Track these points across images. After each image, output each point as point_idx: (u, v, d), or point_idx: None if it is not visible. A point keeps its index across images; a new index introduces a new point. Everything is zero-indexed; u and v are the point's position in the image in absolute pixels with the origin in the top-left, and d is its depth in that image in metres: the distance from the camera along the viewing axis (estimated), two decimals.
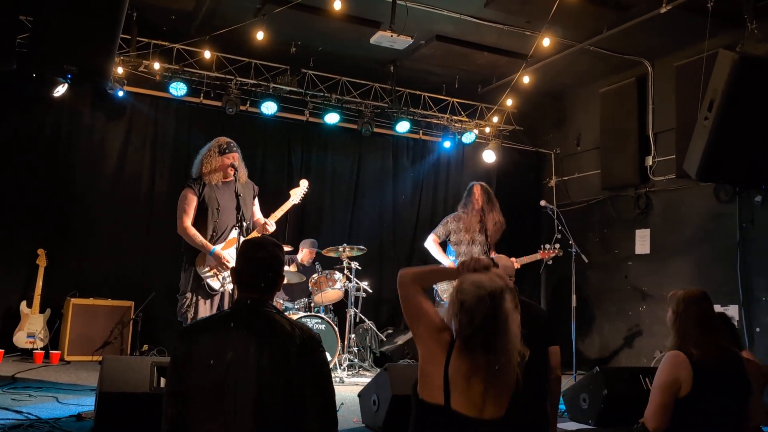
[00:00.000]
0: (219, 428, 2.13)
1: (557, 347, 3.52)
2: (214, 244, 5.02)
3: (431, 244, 6.49)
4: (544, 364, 3.42)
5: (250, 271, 2.40)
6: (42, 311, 6.88)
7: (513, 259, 6.23)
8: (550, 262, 7.05)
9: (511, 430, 2.28)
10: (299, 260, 7.67)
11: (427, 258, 6.89)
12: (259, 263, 2.40)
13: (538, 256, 6.77)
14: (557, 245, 6.79)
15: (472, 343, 2.20)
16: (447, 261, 6.36)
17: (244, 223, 4.85)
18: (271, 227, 5.22)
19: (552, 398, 3.44)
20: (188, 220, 5.00)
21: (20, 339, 6.72)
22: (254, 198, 5.40)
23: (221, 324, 2.31)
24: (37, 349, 6.66)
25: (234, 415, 2.13)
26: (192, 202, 5.05)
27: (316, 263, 7.33)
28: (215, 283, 4.98)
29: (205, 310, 4.99)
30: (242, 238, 4.74)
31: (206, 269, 4.96)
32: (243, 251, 2.49)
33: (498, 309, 2.21)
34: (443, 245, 6.52)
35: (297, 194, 5.48)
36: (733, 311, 6.56)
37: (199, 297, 4.97)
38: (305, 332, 2.29)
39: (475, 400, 2.20)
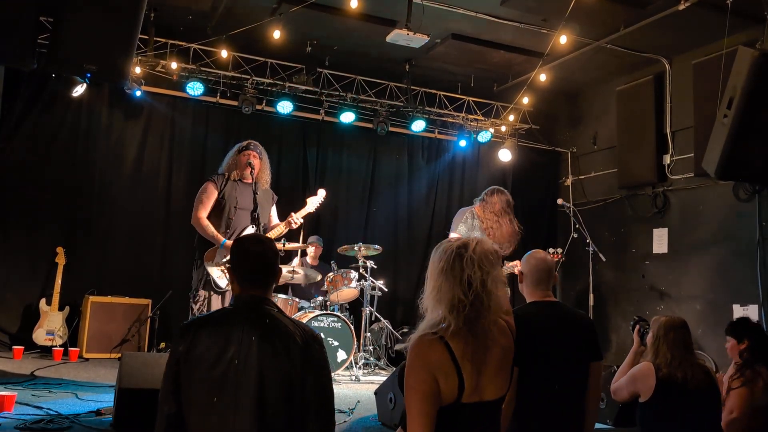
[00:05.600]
0: (218, 426, 2.11)
1: (600, 363, 3.13)
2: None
3: None
4: (585, 379, 3.03)
5: (248, 266, 2.35)
6: (61, 309, 6.96)
7: (516, 262, 6.18)
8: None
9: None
10: (308, 262, 7.72)
11: None
12: (256, 257, 2.35)
13: None
14: (560, 249, 6.54)
15: (467, 325, 2.18)
16: None
17: (261, 224, 4.89)
18: (297, 221, 5.26)
19: (588, 418, 3.03)
20: (203, 212, 5.06)
21: (39, 336, 6.80)
22: (272, 205, 5.45)
23: (222, 321, 2.28)
24: (56, 346, 6.74)
25: (234, 413, 2.11)
26: (211, 195, 5.10)
27: (332, 261, 7.35)
28: (222, 281, 5.02)
29: (217, 306, 5.04)
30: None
31: (214, 266, 5.00)
32: (238, 246, 2.42)
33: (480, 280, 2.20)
34: None
35: (313, 203, 5.53)
36: (753, 311, 6.48)
37: (212, 294, 5.02)
38: (307, 332, 2.26)
39: (473, 383, 2.15)
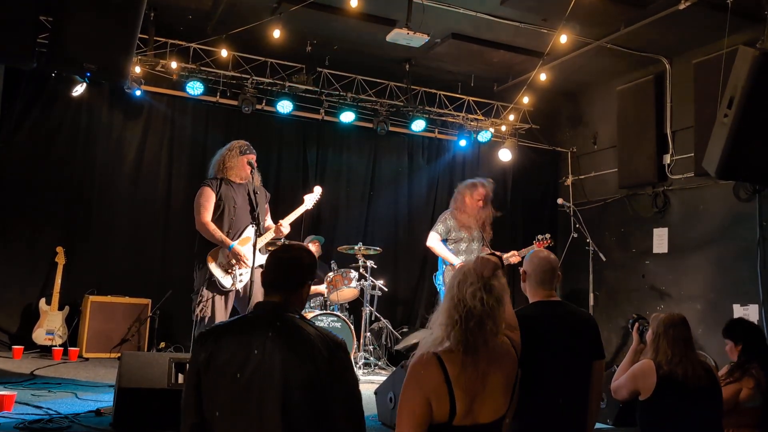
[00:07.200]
0: None
1: (602, 361, 3.12)
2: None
3: (436, 242, 6.32)
4: (588, 378, 3.03)
5: (273, 271, 2.38)
6: (61, 308, 6.95)
7: (514, 252, 6.23)
8: None
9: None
10: None
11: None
12: (282, 263, 2.38)
13: (534, 247, 6.42)
14: (548, 235, 6.53)
15: (462, 345, 2.22)
16: (456, 259, 6.19)
17: (260, 223, 4.88)
18: (285, 229, 5.26)
19: (590, 417, 3.04)
20: (207, 216, 5.06)
21: (39, 336, 6.79)
22: (266, 202, 5.44)
23: (243, 328, 2.25)
24: (55, 345, 6.73)
25: (259, 421, 2.09)
26: (210, 198, 5.10)
27: (332, 261, 7.34)
28: (226, 281, 5.01)
29: (221, 307, 5.02)
30: (257, 238, 4.77)
31: (218, 266, 4.99)
32: (272, 252, 2.49)
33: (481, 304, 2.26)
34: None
35: (310, 200, 5.57)
36: (753, 311, 6.48)
37: (215, 295, 5.00)
38: (331, 339, 2.24)
39: (465, 407, 2.18)
